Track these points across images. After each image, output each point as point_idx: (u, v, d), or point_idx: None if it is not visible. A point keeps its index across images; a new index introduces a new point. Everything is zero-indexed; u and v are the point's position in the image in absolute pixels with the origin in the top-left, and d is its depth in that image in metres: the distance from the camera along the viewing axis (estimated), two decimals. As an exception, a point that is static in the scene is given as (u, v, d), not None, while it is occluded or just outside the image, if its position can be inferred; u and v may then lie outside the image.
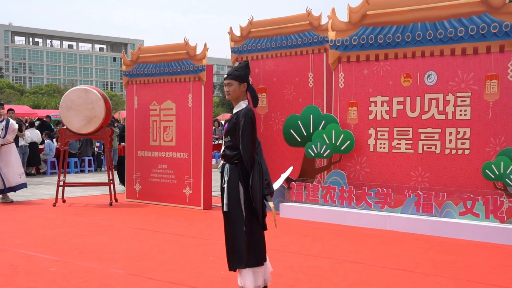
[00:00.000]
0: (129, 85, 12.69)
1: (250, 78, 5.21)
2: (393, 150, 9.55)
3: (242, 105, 5.09)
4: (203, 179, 11.31)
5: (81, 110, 11.64)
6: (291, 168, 10.56)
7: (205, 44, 11.47)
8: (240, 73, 5.06)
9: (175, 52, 11.85)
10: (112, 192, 12.04)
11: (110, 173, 12.15)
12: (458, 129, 8.89)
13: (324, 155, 10.11)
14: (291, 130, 10.60)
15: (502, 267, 6.69)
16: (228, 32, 12.22)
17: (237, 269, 5.06)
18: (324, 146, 10.03)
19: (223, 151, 5.15)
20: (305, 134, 10.42)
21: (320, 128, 10.18)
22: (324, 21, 10.80)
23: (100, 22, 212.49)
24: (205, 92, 11.37)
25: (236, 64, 5.34)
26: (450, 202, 8.67)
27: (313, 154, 10.23)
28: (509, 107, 8.44)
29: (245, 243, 4.94)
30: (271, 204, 5.01)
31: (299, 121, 10.50)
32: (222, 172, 5.14)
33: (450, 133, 8.96)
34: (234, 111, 5.14)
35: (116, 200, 12.24)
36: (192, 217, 10.38)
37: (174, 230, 8.99)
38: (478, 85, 8.71)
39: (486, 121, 8.64)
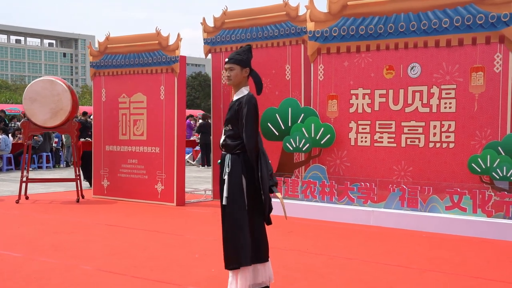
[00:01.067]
0: (96, 77, 12.16)
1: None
2: (375, 144, 9.34)
3: (244, 91, 4.75)
4: (176, 174, 10.89)
5: (46, 102, 11.07)
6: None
7: (178, 35, 11.05)
8: (242, 57, 4.72)
9: (146, 42, 11.37)
10: (79, 188, 11.49)
11: (77, 168, 11.61)
12: (443, 122, 8.73)
13: (303, 149, 9.83)
14: (269, 124, 10.27)
15: (497, 261, 6.55)
16: (201, 23, 11.83)
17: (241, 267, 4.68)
18: (303, 140, 9.75)
19: (224, 140, 4.80)
20: (283, 127, 10.11)
21: (299, 122, 9.89)
22: (302, 11, 10.54)
23: (49, 17, 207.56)
24: (178, 84, 10.95)
25: (239, 48, 4.95)
26: (435, 197, 8.51)
27: (291, 148, 9.93)
28: (495, 100, 8.31)
29: (250, 239, 4.60)
30: (279, 195, 4.70)
31: (277, 114, 10.19)
32: (222, 163, 4.79)
33: (435, 126, 8.80)
34: (235, 98, 4.80)
35: (83, 197, 11.71)
36: (167, 214, 9.96)
37: (150, 227, 8.57)
38: (464, 77, 8.57)
39: (472, 114, 8.50)
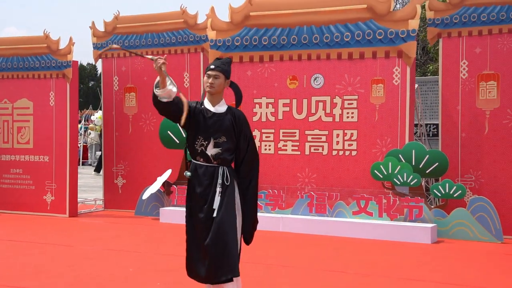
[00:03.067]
0: (-29, 81, 11.22)
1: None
2: (279, 152, 9.58)
3: (225, 104, 4.64)
4: (68, 184, 10.36)
5: None
6: (169, 171, 10.22)
7: (71, 38, 10.52)
8: (227, 68, 4.61)
9: (32, 45, 10.70)
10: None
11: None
12: (346, 131, 9.17)
13: (206, 157, 9.81)
14: (169, 132, 10.14)
15: (422, 263, 6.94)
16: (90, 27, 11.38)
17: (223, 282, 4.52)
18: (206, 148, 9.74)
19: (219, 153, 4.55)
20: (184, 135, 10.02)
21: (201, 130, 9.86)
22: (200, 20, 10.55)
23: None
24: (70, 90, 10.43)
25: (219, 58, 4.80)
26: (342, 202, 8.91)
27: (193, 157, 9.87)
28: (394, 110, 8.90)
29: (237, 251, 4.53)
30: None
31: (177, 122, 10.07)
32: (212, 175, 4.52)
33: (338, 135, 9.22)
34: (218, 108, 4.57)
35: (-45, 210, 10.74)
36: (65, 226, 9.45)
37: (59, 241, 8.09)
38: (365, 89, 9.08)
39: (373, 123, 9.03)
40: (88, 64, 62.92)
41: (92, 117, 26.49)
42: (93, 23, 11.37)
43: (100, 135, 26.65)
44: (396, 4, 25.11)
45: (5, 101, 10.90)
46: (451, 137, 8.97)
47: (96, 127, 26.21)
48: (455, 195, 8.40)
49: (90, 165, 25.74)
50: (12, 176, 10.83)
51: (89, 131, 26.04)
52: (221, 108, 4.56)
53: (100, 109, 26.90)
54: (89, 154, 26.54)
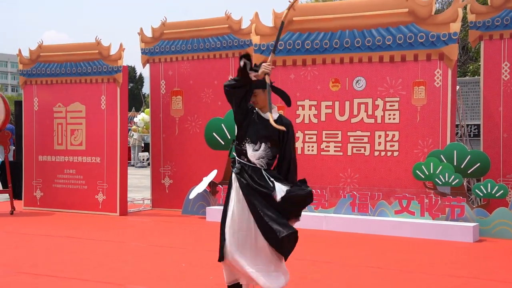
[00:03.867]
0: (27, 86, 11.78)
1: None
2: (322, 153, 9.85)
3: (277, 111, 4.92)
4: (119, 185, 10.81)
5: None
6: (215, 172, 10.58)
7: (121, 45, 10.98)
8: (258, 81, 4.84)
9: (85, 51, 11.19)
10: (12, 200, 11.08)
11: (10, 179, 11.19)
12: (387, 132, 9.38)
13: (251, 158, 10.13)
14: (214, 133, 10.50)
15: (463, 261, 7.13)
16: (138, 33, 11.83)
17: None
18: (251, 149, 10.06)
19: (262, 157, 4.82)
20: (229, 137, 10.36)
21: (246, 131, 10.18)
22: (244, 25, 10.88)
23: None
24: (121, 94, 10.89)
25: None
26: (384, 202, 9.12)
27: (238, 157, 10.20)
28: (435, 112, 9.07)
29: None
30: None
31: (222, 124, 10.43)
32: (262, 177, 4.79)
33: (379, 136, 9.43)
34: (268, 114, 4.88)
35: (14, 208, 11.28)
36: (116, 224, 9.90)
37: (112, 238, 8.52)
38: (406, 91, 9.27)
39: (415, 124, 9.21)
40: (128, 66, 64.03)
41: (135, 119, 27.14)
42: (141, 29, 11.82)
43: (141, 136, 27.33)
44: (436, 2, 25.08)
45: (59, 105, 11.41)
46: (493, 137, 9.10)
47: (139, 128, 26.86)
48: (497, 195, 8.55)
49: (133, 166, 26.39)
50: (66, 177, 11.33)
51: (131, 132, 26.68)
52: (273, 115, 4.81)
53: (143, 111, 27.65)
54: (132, 155, 27.18)
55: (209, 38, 11.16)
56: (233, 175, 4.89)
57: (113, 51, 10.97)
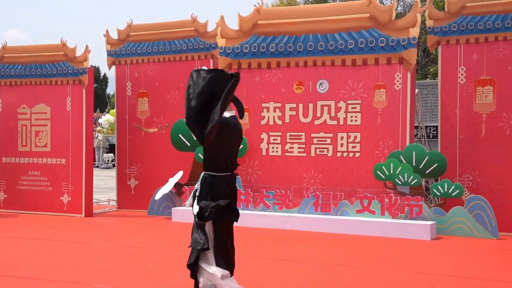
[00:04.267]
0: (-10, 86, 11.73)
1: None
2: (286, 154, 10.06)
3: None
4: (84, 186, 10.85)
5: None
6: (181, 173, 10.62)
7: (87, 46, 11.02)
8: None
9: (50, 53, 11.20)
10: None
11: (-26, 181, 11.14)
12: (349, 134, 9.64)
13: (216, 159, 10.27)
14: (180, 135, 10.62)
15: (421, 258, 7.40)
16: (104, 35, 11.88)
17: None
18: (216, 151, 10.20)
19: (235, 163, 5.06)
20: (195, 138, 10.48)
21: (211, 133, 10.32)
22: (210, 28, 11.03)
23: None
24: (86, 96, 10.92)
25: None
26: (346, 201, 9.38)
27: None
28: (395, 114, 9.37)
29: None
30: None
31: (188, 126, 10.54)
32: (230, 183, 5.03)
33: (342, 138, 9.69)
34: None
35: (-25, 210, 11.22)
36: (82, 225, 9.95)
37: (78, 239, 8.57)
38: (368, 94, 9.55)
39: (376, 126, 9.50)
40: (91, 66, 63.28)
41: (100, 120, 27.00)
42: (107, 31, 11.88)
43: (106, 138, 27.21)
44: (398, 6, 25.58)
45: (23, 106, 11.39)
46: (450, 139, 9.44)
47: (104, 129, 26.73)
48: (453, 194, 8.88)
49: (98, 167, 26.25)
50: (30, 178, 11.32)
51: (96, 133, 26.54)
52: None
53: (108, 112, 27.52)
54: (96, 156, 27.03)
55: (175, 40, 11.29)
56: None
57: (79, 52, 10.99)
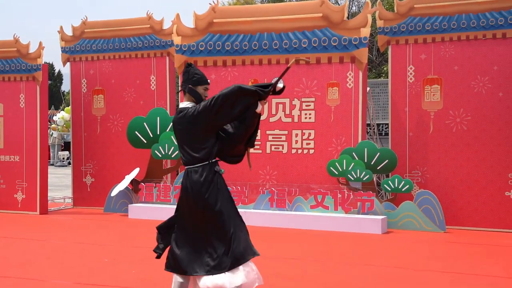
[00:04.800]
0: None
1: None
2: (242, 151, 10.19)
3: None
4: (39, 183, 10.79)
5: None
6: (137, 170, 10.75)
7: (40, 43, 10.95)
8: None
9: (2, 49, 11.08)
10: None
11: None
12: (304, 131, 9.86)
13: (172, 156, 10.36)
14: (136, 132, 10.66)
15: (373, 251, 7.67)
16: (58, 31, 11.81)
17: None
18: (172, 148, 10.28)
19: None
20: (151, 135, 10.56)
21: (167, 130, 10.42)
22: (166, 25, 11.10)
23: None
24: (40, 92, 10.85)
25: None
26: (300, 197, 9.58)
27: (160, 156, 10.42)
28: (348, 112, 9.63)
29: None
30: None
31: (144, 123, 10.61)
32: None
33: (296, 135, 9.90)
34: None
35: None
36: (37, 223, 9.90)
37: (33, 236, 8.55)
38: (321, 92, 9.78)
39: (329, 123, 9.74)
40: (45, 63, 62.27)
41: (54, 117, 26.64)
42: (61, 27, 11.81)
43: (61, 135, 26.87)
44: (352, 6, 26.02)
45: (-25, 103, 11.25)
46: (400, 136, 9.74)
47: (59, 127, 26.39)
48: (403, 190, 9.18)
49: (53, 165, 25.93)
50: (-17, 176, 11.18)
51: (51, 131, 26.19)
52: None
53: (63, 110, 27.17)
54: (51, 154, 26.67)
55: (130, 38, 11.31)
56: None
57: (32, 49, 10.91)
